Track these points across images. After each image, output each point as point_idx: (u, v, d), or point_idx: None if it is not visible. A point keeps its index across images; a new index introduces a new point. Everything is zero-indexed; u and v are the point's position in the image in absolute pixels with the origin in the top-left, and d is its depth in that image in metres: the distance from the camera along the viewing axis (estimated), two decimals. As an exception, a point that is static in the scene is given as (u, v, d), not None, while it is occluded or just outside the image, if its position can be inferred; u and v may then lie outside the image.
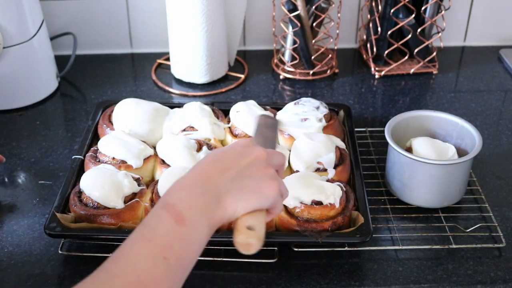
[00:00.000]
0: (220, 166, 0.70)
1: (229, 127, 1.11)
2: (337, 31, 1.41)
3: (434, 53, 1.40)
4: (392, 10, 1.33)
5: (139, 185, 0.97)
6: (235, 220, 0.69)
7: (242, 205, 0.68)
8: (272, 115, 1.10)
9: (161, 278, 0.60)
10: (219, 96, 1.35)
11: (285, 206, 0.93)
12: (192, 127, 1.09)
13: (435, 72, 1.43)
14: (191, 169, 0.70)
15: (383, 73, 1.41)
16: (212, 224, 0.67)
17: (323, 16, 1.35)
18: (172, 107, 1.16)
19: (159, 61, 1.47)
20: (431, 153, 0.99)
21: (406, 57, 1.39)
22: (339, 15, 1.39)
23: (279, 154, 0.77)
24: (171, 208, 0.64)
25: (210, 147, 1.04)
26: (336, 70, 1.43)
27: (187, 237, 0.64)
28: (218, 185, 0.68)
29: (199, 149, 1.03)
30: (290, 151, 1.04)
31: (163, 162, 1.02)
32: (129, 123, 1.10)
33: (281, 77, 1.41)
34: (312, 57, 1.40)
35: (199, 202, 0.66)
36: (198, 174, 0.69)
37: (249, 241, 0.68)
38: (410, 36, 1.35)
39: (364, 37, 1.48)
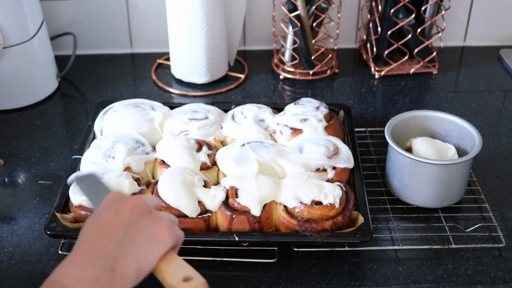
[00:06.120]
0: (104, 231, 0.64)
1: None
2: (337, 31, 1.41)
3: (434, 53, 1.40)
4: (392, 10, 1.33)
5: (139, 185, 0.97)
6: (159, 276, 0.65)
7: (144, 261, 0.64)
8: (83, 173, 0.96)
9: None
10: (219, 96, 1.35)
11: (285, 206, 0.93)
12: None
13: (435, 72, 1.43)
14: (75, 245, 0.64)
15: (383, 73, 1.41)
16: None
17: (323, 16, 1.35)
18: (172, 107, 1.16)
19: (159, 61, 1.47)
20: (431, 153, 0.99)
21: (406, 57, 1.39)
22: (339, 15, 1.39)
23: (151, 196, 0.70)
24: (56, 286, 0.59)
25: (210, 147, 1.04)
26: (336, 70, 1.43)
27: None
28: (110, 252, 0.62)
29: (199, 149, 1.03)
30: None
31: (163, 162, 1.02)
32: (128, 126, 1.09)
33: (281, 77, 1.41)
34: (312, 57, 1.40)
35: (88, 274, 0.60)
36: (85, 246, 0.64)
37: None
38: (410, 36, 1.35)
39: (364, 37, 1.48)
